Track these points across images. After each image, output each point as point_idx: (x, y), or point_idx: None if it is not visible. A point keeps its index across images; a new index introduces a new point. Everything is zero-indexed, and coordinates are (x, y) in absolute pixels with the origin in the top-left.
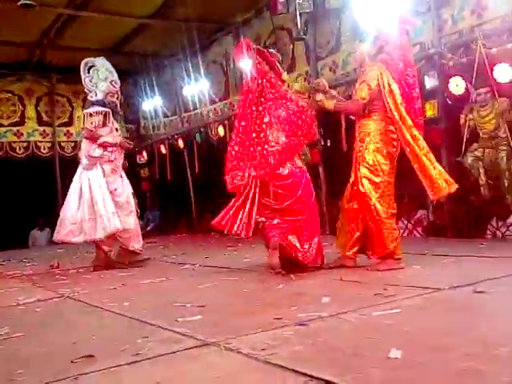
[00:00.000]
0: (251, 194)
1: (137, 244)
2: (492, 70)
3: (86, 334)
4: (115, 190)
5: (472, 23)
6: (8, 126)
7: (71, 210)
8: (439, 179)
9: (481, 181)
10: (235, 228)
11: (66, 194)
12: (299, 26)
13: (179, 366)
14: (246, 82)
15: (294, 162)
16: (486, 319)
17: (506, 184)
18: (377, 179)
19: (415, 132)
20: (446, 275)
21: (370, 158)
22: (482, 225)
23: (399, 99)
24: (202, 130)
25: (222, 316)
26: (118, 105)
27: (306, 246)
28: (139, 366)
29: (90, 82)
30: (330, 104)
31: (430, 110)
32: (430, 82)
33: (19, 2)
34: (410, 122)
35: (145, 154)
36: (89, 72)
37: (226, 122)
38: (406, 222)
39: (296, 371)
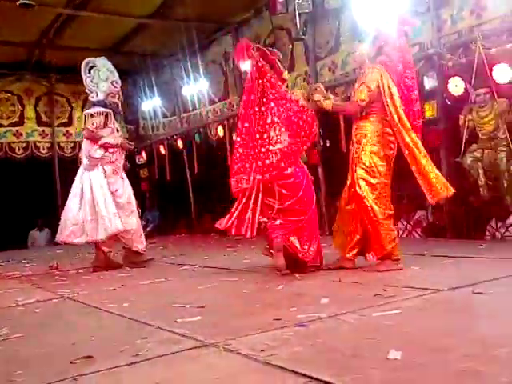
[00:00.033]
0: (254, 194)
1: (140, 244)
2: (491, 70)
3: (85, 334)
4: (116, 190)
5: (471, 23)
6: (7, 126)
7: (73, 210)
8: (437, 183)
9: (480, 181)
10: (243, 230)
11: (65, 195)
12: (298, 26)
13: (178, 367)
14: (247, 82)
15: (296, 162)
16: (485, 320)
17: (506, 185)
18: (373, 180)
19: (413, 135)
20: (446, 276)
21: (366, 160)
22: (481, 226)
23: (398, 102)
24: (201, 130)
25: (222, 317)
26: (119, 105)
27: (306, 247)
28: (138, 366)
29: (91, 82)
30: (327, 104)
31: (429, 111)
32: (429, 83)
33: (18, 2)
34: (408, 124)
35: (144, 154)
36: (90, 72)
37: (226, 122)
38: (405, 223)
39: (295, 372)
